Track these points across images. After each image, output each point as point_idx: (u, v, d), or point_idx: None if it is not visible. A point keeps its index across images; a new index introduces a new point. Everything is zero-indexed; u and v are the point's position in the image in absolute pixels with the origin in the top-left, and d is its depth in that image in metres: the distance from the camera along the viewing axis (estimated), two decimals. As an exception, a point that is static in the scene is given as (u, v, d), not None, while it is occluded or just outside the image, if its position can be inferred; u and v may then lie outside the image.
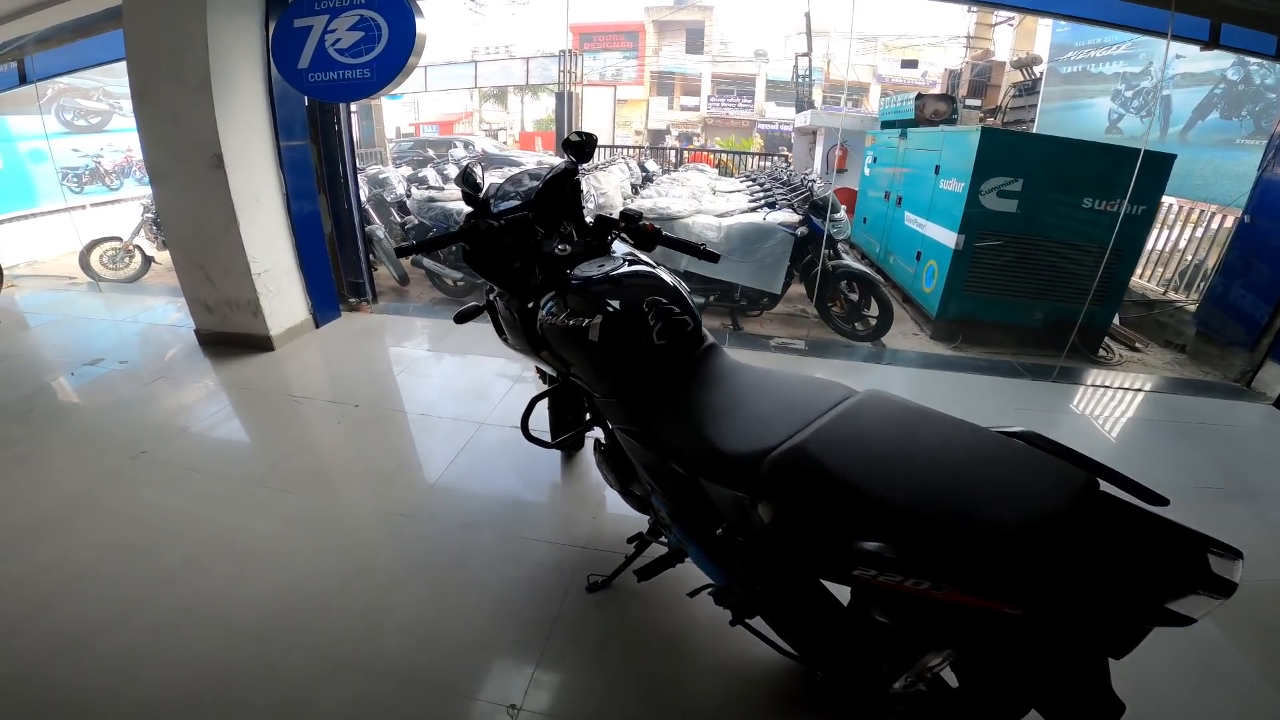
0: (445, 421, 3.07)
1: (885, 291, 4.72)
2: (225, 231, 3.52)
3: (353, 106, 4.24)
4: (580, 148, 1.72)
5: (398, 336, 4.24)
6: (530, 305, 1.68)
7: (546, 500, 2.46)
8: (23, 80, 5.48)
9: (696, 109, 25.97)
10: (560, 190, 1.76)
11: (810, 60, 13.40)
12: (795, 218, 4.72)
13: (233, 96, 3.36)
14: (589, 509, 2.40)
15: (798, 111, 11.96)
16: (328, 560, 2.09)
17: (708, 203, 5.55)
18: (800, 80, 13.33)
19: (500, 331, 1.97)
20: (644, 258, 1.65)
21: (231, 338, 3.94)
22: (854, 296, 4.80)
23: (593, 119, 16.69)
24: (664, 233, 1.74)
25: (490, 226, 1.63)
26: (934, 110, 6.23)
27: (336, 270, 4.46)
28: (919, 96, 6.38)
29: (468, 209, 1.69)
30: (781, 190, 5.67)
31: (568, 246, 1.68)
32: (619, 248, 1.76)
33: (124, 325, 4.49)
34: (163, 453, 2.75)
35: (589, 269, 1.56)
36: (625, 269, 1.52)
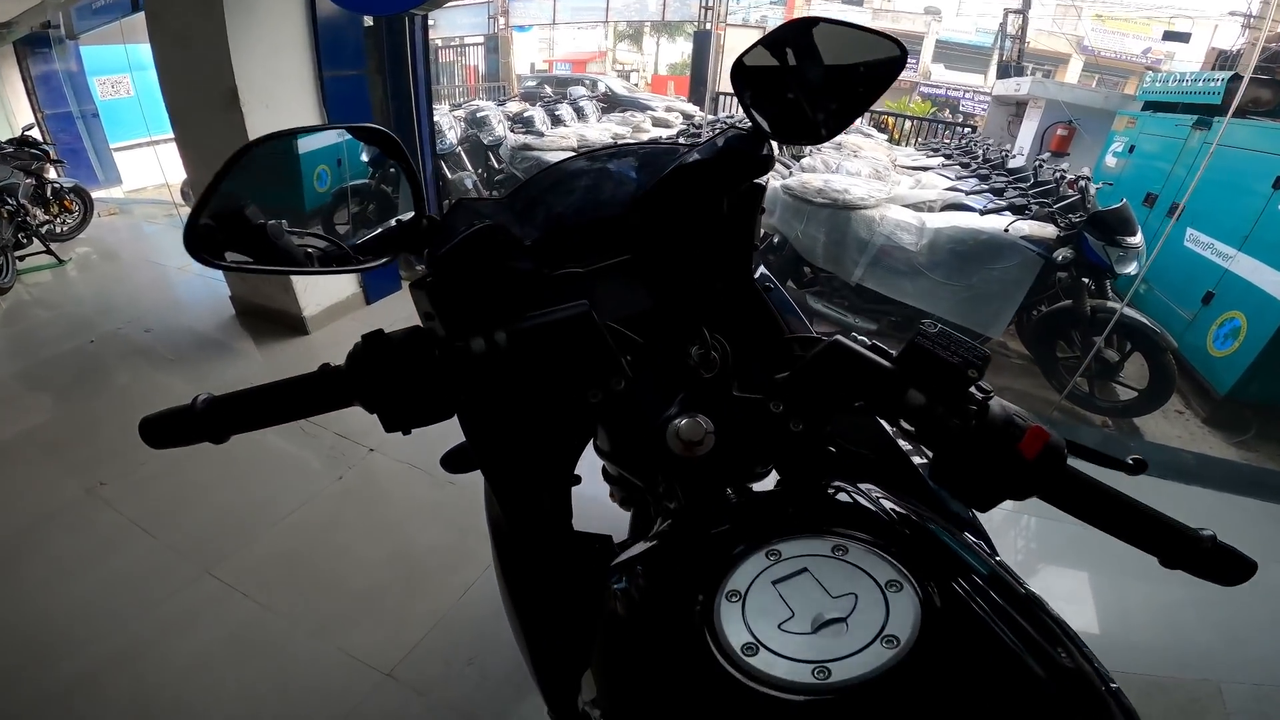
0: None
1: (1172, 361, 3.13)
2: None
3: (433, 31, 3.22)
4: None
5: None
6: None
7: None
8: (135, 7, 5.21)
9: (848, 65, 23.10)
10: (708, 207, 0.79)
11: (1025, 18, 11.02)
12: (1049, 231, 3.18)
13: (254, 14, 2.67)
14: None
15: (1000, 77, 9.79)
16: None
17: (894, 185, 4.04)
18: (1008, 41, 10.97)
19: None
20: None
21: (265, 312, 3.19)
22: (1112, 355, 3.24)
23: (735, 67, 14.78)
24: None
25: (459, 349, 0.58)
26: (1250, 98, 4.33)
27: (399, 232, 3.49)
28: (1235, 77, 4.48)
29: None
30: (1000, 176, 4.07)
31: (705, 425, 0.61)
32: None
33: (174, 277, 4.06)
34: (118, 490, 2.13)
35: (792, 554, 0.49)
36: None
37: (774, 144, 0.79)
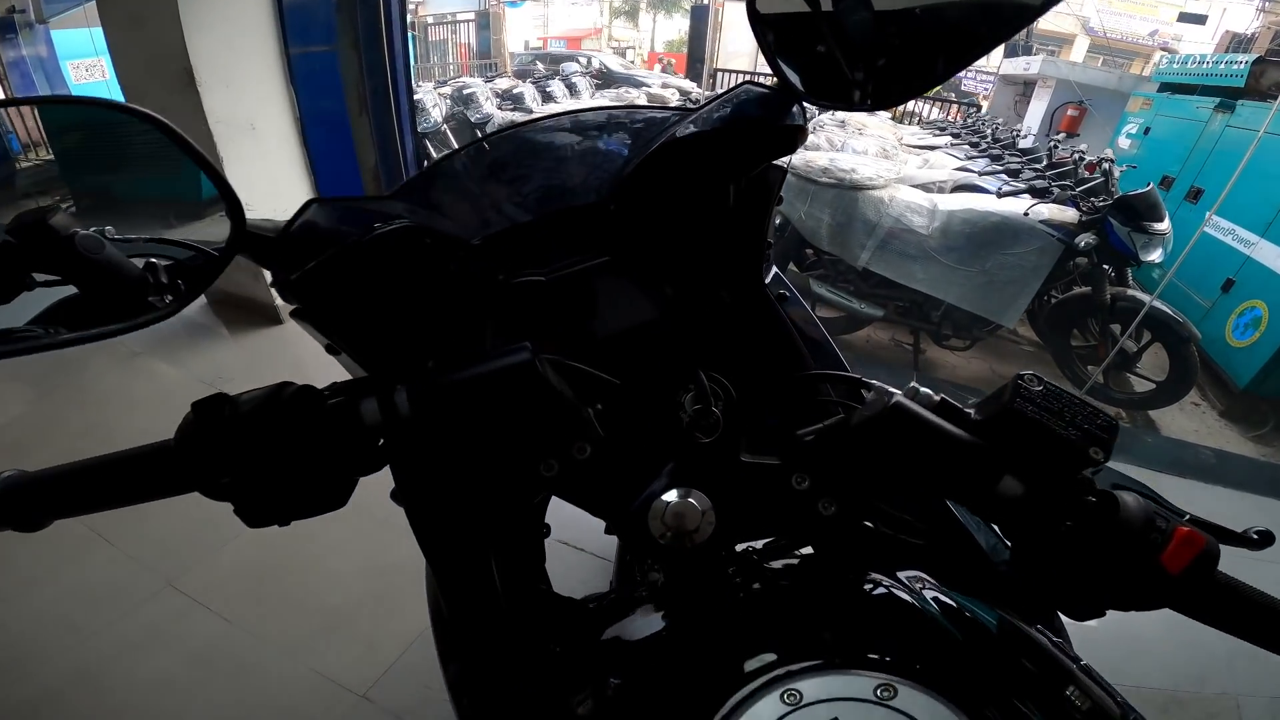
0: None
1: (1195, 353, 2.99)
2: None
3: (423, 7, 2.99)
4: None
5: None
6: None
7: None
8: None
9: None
10: (710, 195, 0.65)
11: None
12: (1070, 216, 3.01)
13: (210, -13, 2.46)
14: None
15: (1007, 56, 9.54)
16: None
17: (902, 165, 3.86)
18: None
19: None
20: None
21: (236, 300, 2.99)
22: (1131, 345, 3.10)
23: (735, 43, 14.43)
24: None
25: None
26: (1274, 81, 4.16)
27: (382, 216, 3.32)
28: (1259, 60, 4.30)
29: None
30: (1013, 156, 3.90)
31: (701, 505, 0.45)
32: None
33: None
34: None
35: None
36: None
37: (807, 107, 0.62)
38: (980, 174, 3.75)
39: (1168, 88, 5.23)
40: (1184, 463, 2.93)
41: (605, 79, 9.76)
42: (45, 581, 1.69)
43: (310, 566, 1.72)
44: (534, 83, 7.43)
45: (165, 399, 2.46)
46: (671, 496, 0.44)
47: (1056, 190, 3.13)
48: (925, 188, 3.48)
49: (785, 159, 0.64)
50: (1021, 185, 3.37)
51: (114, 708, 1.44)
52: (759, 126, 0.60)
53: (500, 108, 6.03)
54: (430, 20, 15.04)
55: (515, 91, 6.66)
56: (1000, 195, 3.22)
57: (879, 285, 3.39)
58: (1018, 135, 4.87)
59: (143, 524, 1.81)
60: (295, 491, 0.41)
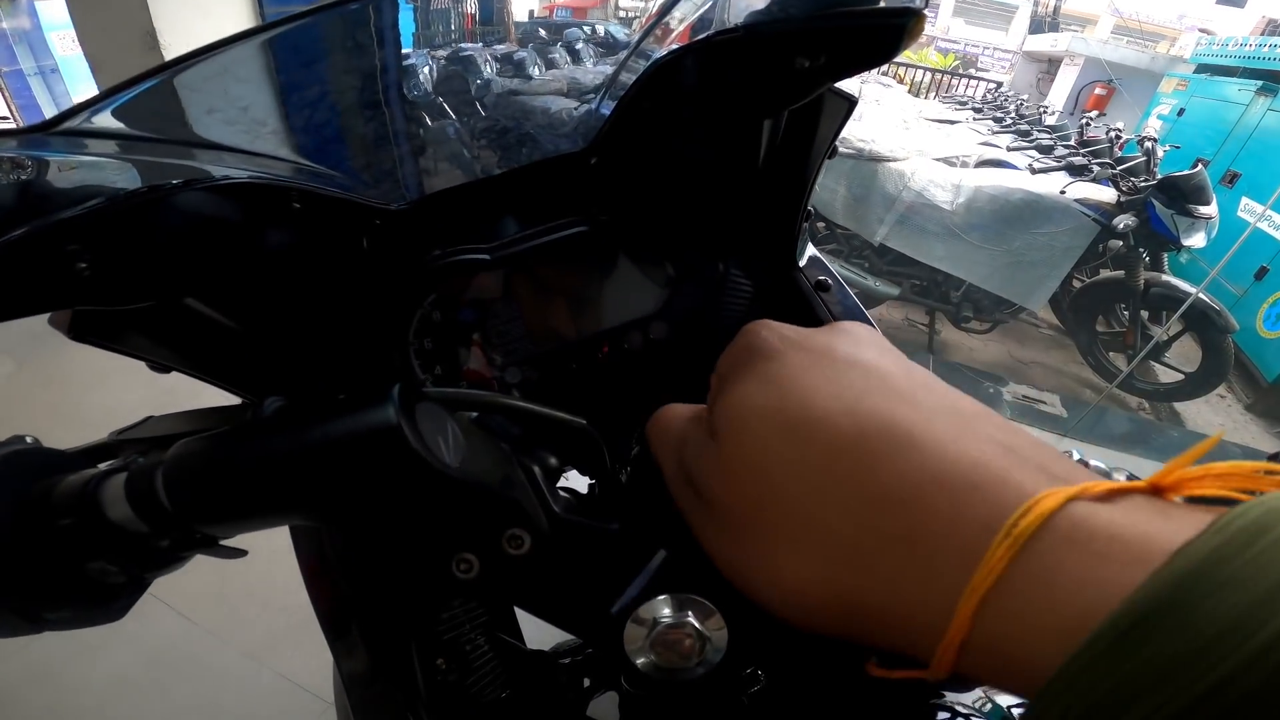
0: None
1: (1231, 344, 2.82)
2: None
3: None
4: None
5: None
6: None
7: None
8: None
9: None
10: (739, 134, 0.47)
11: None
12: (1108, 196, 2.81)
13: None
14: None
15: (1033, 32, 9.22)
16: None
17: (924, 138, 3.65)
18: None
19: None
20: None
21: None
22: (1160, 333, 2.93)
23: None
24: None
25: None
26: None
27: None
28: None
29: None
30: (1042, 133, 3.68)
31: (702, 626, 0.28)
32: None
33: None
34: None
35: None
36: None
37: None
38: (1008, 149, 3.54)
39: (1205, 69, 5.01)
40: (1211, 459, 2.82)
41: (610, 47, 9.43)
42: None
43: (276, 564, 1.57)
44: (535, 48, 7.18)
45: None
46: (662, 610, 0.29)
47: (1096, 168, 2.92)
48: (948, 162, 3.27)
49: (858, 83, 0.45)
50: (1054, 162, 3.16)
51: (72, 707, 1.36)
52: (851, 17, 0.41)
53: (499, 73, 5.79)
54: (432, -17, 14.61)
55: (516, 57, 6.40)
56: (1034, 172, 3.01)
57: (895, 262, 3.20)
58: (1044, 112, 4.64)
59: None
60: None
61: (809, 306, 0.61)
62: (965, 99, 6.09)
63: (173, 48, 2.39)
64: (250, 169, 0.42)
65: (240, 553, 0.31)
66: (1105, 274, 3.14)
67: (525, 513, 0.31)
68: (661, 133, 0.50)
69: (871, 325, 0.63)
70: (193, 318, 0.42)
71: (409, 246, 0.51)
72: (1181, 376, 3.08)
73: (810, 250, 0.71)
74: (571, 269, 0.58)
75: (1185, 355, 3.25)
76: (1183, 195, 2.66)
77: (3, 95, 6.33)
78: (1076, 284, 3.26)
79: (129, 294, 0.33)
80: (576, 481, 0.59)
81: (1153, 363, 3.25)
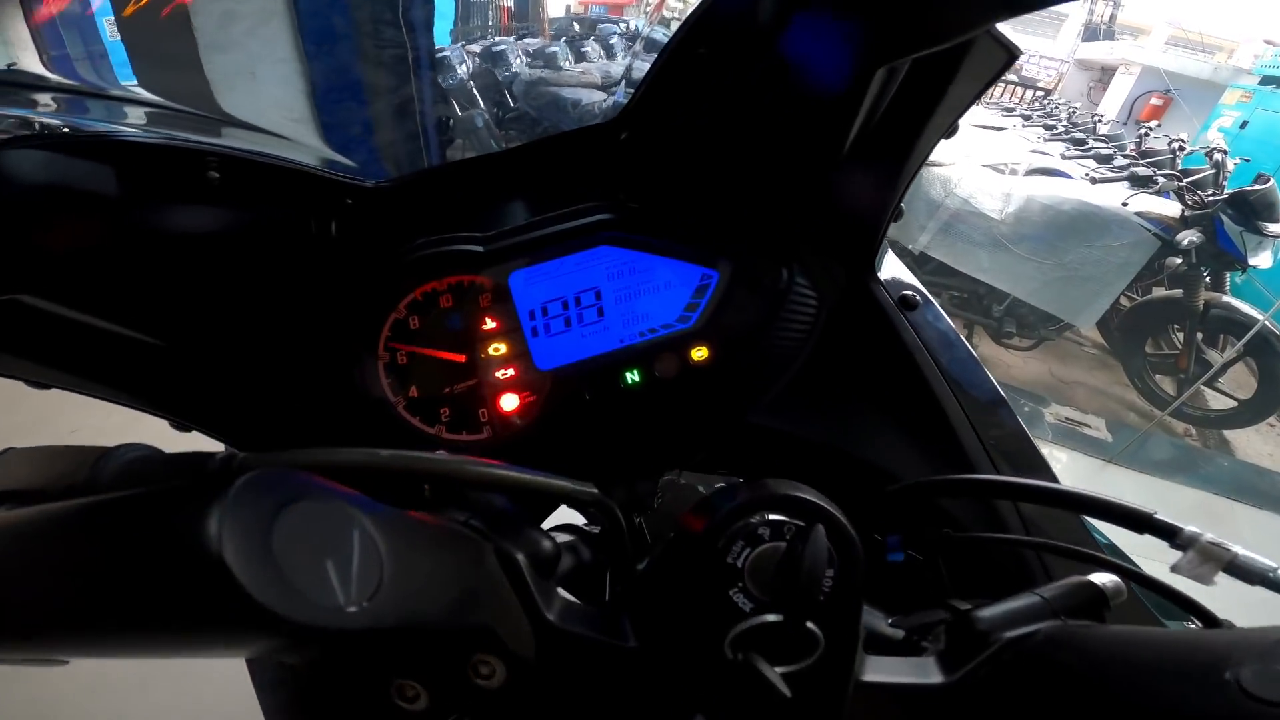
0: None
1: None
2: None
3: None
4: None
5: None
6: None
7: None
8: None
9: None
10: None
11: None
12: (1172, 210, 2.65)
13: None
14: None
15: (1087, 40, 8.92)
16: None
17: (971, 143, 3.49)
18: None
19: None
20: None
21: None
22: (1216, 357, 2.76)
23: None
24: None
25: None
26: None
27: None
28: None
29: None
30: (1098, 141, 3.51)
31: None
32: None
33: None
34: None
35: None
36: None
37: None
38: (1062, 158, 3.37)
39: (1270, 81, 4.77)
40: (1262, 491, 2.67)
41: (645, 45, 9.31)
42: None
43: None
44: (568, 42, 7.08)
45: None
46: None
47: (1161, 180, 2.76)
48: (996, 169, 3.12)
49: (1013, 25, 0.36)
50: (1113, 172, 2.99)
51: (51, 703, 1.32)
52: None
53: (530, 66, 5.74)
54: (473, -21, 14.62)
55: (548, 50, 6.31)
56: (1094, 182, 2.86)
57: (935, 272, 3.07)
58: (1097, 120, 4.45)
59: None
60: None
61: (889, 328, 0.51)
62: (1011, 105, 5.89)
63: (205, 30, 2.32)
64: (149, 129, 0.33)
65: (59, 662, 0.21)
66: (1160, 293, 2.98)
67: (495, 639, 0.22)
68: (714, 96, 0.40)
69: (974, 357, 0.52)
70: (51, 321, 0.33)
71: (387, 233, 0.42)
72: (1235, 404, 2.91)
73: (890, 257, 0.60)
74: (583, 267, 0.49)
75: (1238, 381, 3.08)
76: (1253, 211, 2.49)
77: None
78: (1125, 302, 3.10)
79: None
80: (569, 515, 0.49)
81: (1203, 388, 3.08)
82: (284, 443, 0.45)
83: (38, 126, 0.39)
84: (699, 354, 0.50)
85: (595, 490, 0.30)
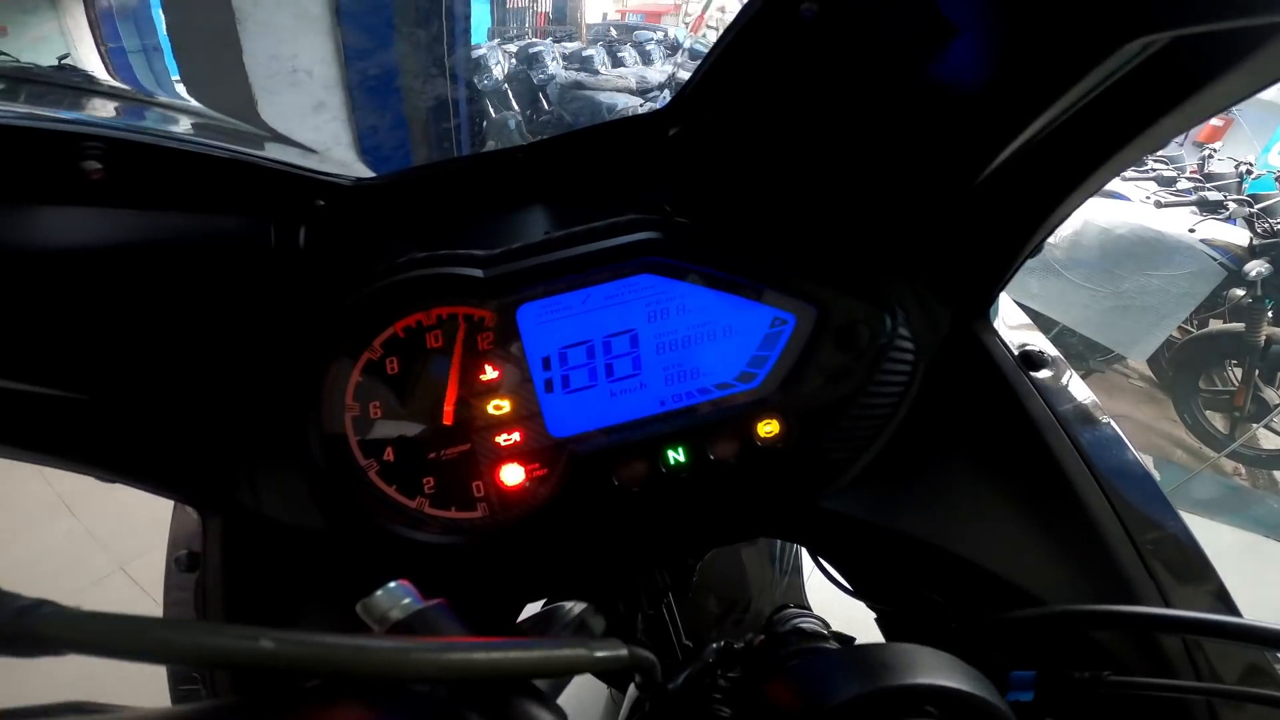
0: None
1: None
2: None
3: None
4: None
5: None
6: None
7: None
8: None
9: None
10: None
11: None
12: (1239, 237, 2.50)
13: None
14: None
15: None
16: None
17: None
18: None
19: None
20: None
21: None
22: (1274, 396, 2.60)
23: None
24: None
25: None
26: None
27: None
28: None
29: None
30: (1159, 163, 3.33)
31: None
32: None
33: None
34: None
35: None
36: None
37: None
38: (1122, 179, 3.22)
39: (1338, 100, 4.54)
40: None
41: (690, 55, 9.25)
42: (3, 546, 1.56)
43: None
44: (604, 46, 7.05)
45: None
46: None
47: (1233, 205, 2.60)
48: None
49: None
50: (1178, 197, 2.82)
51: (40, 696, 1.25)
52: None
53: (566, 69, 5.74)
54: (511, -19, 14.71)
55: (584, 54, 6.29)
56: (1159, 206, 2.71)
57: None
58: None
59: (107, 497, 1.61)
60: None
61: (1008, 391, 0.41)
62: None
63: (248, 27, 2.29)
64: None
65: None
66: (1218, 326, 2.82)
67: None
68: (810, 76, 0.30)
69: (1122, 439, 0.42)
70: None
71: (364, 248, 0.32)
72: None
73: (1006, 303, 0.50)
74: (619, 297, 0.39)
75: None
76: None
77: (106, 71, 6.60)
78: (1178, 334, 2.95)
79: None
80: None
81: (1263, 428, 2.91)
82: (238, 504, 0.36)
83: None
84: (767, 429, 0.39)
85: (625, 653, 0.21)
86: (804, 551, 0.72)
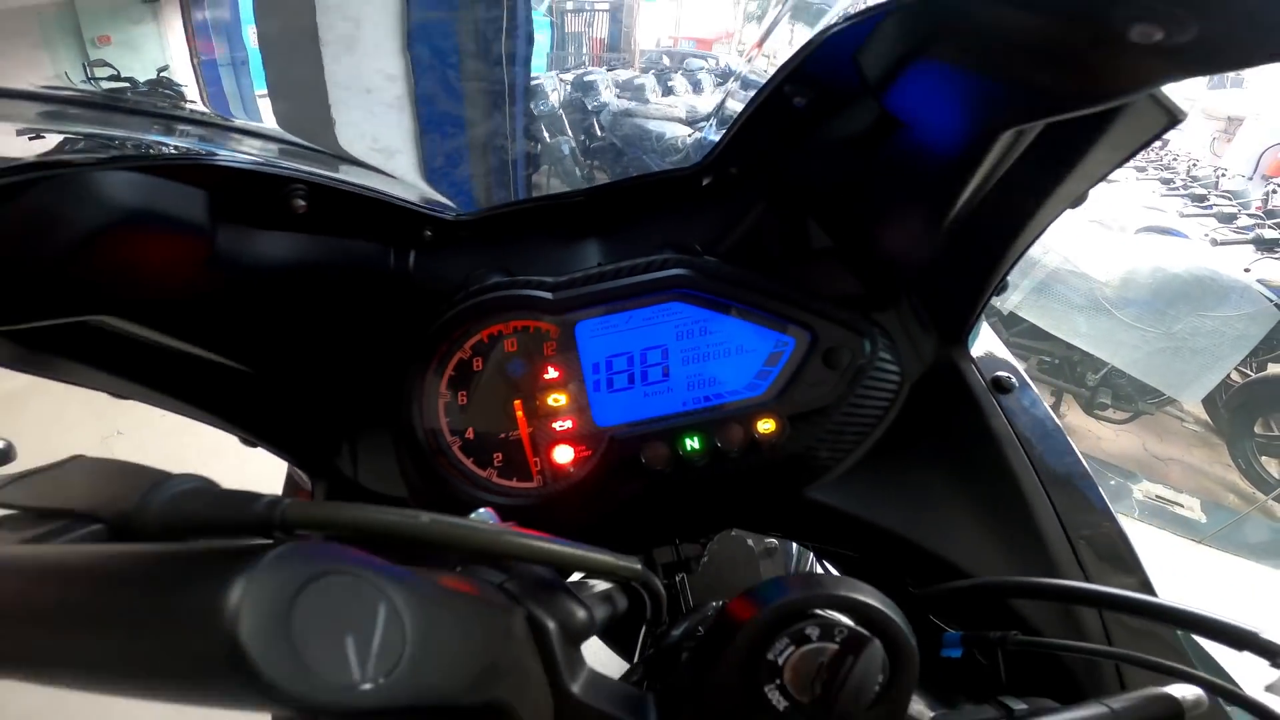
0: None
1: None
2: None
3: None
4: None
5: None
6: None
7: None
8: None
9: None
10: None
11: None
12: (1302, 280, 2.42)
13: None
14: None
15: (1212, 88, 8.32)
16: None
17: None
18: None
19: None
20: None
21: None
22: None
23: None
24: None
25: None
26: None
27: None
28: None
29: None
30: (1220, 198, 3.24)
31: None
32: None
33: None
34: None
35: None
36: None
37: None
38: (1180, 215, 3.14)
39: None
40: None
41: (742, 83, 9.35)
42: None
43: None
44: (655, 75, 7.24)
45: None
46: None
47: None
48: (1104, 225, 2.94)
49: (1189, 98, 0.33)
50: (1236, 234, 2.75)
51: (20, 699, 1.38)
52: None
53: (619, 97, 5.92)
54: (569, 7, 15.20)
55: (636, 82, 6.48)
56: (1215, 244, 2.64)
57: (1025, 334, 2.90)
58: (1221, 175, 4.11)
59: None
60: None
61: (977, 412, 0.47)
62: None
63: (330, 46, 2.43)
64: (236, 151, 0.34)
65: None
66: (1276, 369, 2.71)
67: (512, 715, 0.22)
68: (806, 148, 0.38)
69: (1074, 452, 0.48)
70: (131, 341, 0.33)
71: (459, 269, 0.42)
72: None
73: (985, 332, 0.56)
74: (651, 320, 0.47)
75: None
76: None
77: (197, 83, 7.12)
78: (1236, 377, 2.85)
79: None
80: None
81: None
82: (340, 472, 0.45)
83: (129, 147, 0.41)
84: (765, 427, 0.48)
85: (639, 567, 0.29)
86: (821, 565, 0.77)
